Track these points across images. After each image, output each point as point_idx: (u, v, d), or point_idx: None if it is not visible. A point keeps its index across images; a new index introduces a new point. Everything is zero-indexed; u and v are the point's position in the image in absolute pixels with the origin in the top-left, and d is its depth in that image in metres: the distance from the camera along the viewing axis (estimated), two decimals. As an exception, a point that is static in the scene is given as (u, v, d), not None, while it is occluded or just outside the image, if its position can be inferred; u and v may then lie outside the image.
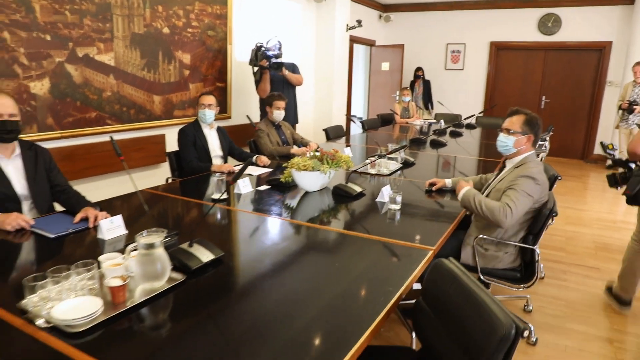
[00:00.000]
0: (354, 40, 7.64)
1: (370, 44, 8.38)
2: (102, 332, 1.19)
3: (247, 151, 3.67)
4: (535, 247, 2.25)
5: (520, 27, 7.99)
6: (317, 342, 1.21)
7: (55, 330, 1.18)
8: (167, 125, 4.31)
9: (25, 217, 1.96)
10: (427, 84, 8.25)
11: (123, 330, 1.21)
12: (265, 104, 3.90)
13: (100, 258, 1.48)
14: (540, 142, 2.59)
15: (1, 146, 2.08)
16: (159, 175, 4.22)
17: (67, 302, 1.25)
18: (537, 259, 2.28)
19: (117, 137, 3.86)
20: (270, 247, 1.85)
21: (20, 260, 1.72)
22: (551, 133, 5.81)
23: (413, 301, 1.57)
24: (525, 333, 1.11)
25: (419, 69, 8.18)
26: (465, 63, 8.48)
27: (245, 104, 5.23)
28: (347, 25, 6.61)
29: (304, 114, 5.91)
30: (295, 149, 3.73)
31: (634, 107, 5.95)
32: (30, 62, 3.20)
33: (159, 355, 1.13)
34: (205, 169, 3.12)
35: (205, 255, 1.58)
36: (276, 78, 4.71)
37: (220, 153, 3.39)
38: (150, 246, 1.37)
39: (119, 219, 1.90)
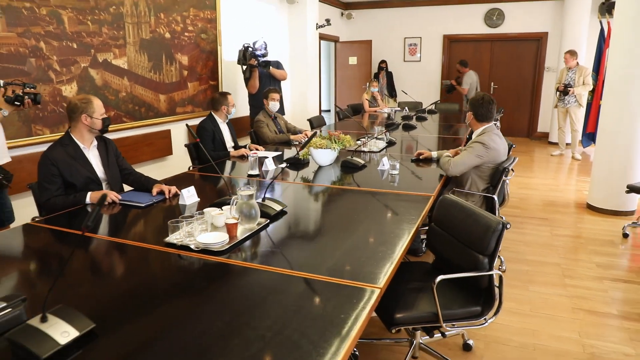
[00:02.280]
0: (320, 37, 8.24)
1: (334, 40, 9.03)
2: (233, 250, 1.78)
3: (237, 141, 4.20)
4: (494, 196, 2.95)
5: (469, 21, 8.89)
6: (348, 268, 1.85)
7: (202, 251, 1.75)
8: (172, 122, 4.78)
9: (114, 193, 2.47)
10: (389, 75, 9.00)
11: (242, 249, 1.80)
12: (262, 97, 4.47)
13: (205, 210, 2.04)
14: (495, 124, 3.24)
15: (86, 138, 2.57)
16: (170, 167, 4.70)
17: (205, 235, 1.82)
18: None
19: (130, 133, 4.32)
20: (322, 203, 2.48)
21: (136, 221, 2.25)
22: (501, 114, 6.67)
23: (426, 228, 2.24)
24: (508, 226, 1.79)
25: (382, 61, 8.91)
26: (422, 55, 9.31)
27: (235, 100, 5.74)
28: (317, 24, 7.22)
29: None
30: (293, 136, 4.32)
31: (569, 89, 6.91)
32: (62, 68, 3.61)
33: (261, 258, 1.73)
34: (224, 156, 3.67)
35: (275, 206, 2.17)
36: (262, 75, 5.27)
37: (232, 143, 3.94)
38: (250, 197, 1.96)
39: (193, 189, 2.45)
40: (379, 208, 2.37)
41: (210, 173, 3.19)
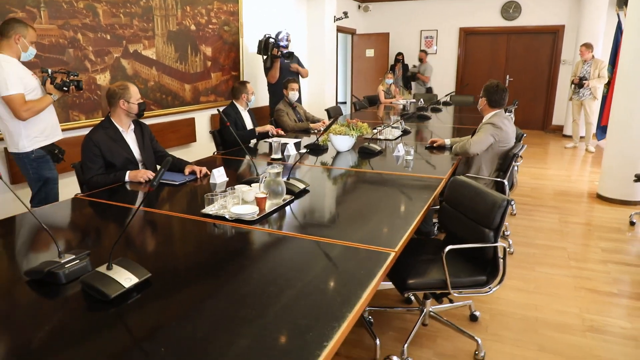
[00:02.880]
0: (337, 30, 8.40)
1: (351, 32, 9.18)
2: (262, 220, 1.99)
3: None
4: (504, 180, 3.12)
5: (486, 13, 8.96)
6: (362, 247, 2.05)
7: (236, 220, 1.97)
8: (196, 110, 5.02)
9: (150, 171, 2.70)
10: (406, 67, 9.13)
11: (270, 220, 2.01)
12: (282, 87, 4.67)
13: (236, 187, 2.26)
14: (507, 113, 3.34)
15: (124, 122, 2.80)
16: (193, 153, 4.94)
17: (238, 207, 2.04)
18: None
19: (158, 120, 4.56)
20: (342, 183, 2.68)
21: (173, 196, 2.48)
22: (515, 107, 6.76)
23: (438, 207, 2.43)
24: (513, 202, 1.97)
25: (399, 53, 9.04)
26: (438, 47, 9.41)
27: (255, 90, 5.96)
28: (335, 16, 7.38)
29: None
30: (312, 125, 4.52)
31: (584, 82, 6.98)
32: (96, 58, 3.86)
33: (287, 227, 1.94)
34: (249, 134, 3.95)
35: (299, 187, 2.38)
36: (284, 69, 5.47)
37: (250, 126, 4.17)
38: (277, 174, 2.17)
39: (222, 170, 2.68)
40: (394, 189, 2.56)
41: (234, 157, 3.41)
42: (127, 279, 1.42)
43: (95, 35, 3.82)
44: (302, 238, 1.83)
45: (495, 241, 2.02)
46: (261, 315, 1.29)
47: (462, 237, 2.16)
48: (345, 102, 10.39)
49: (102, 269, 1.44)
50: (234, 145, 3.77)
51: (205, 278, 1.55)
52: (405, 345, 2.22)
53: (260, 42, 5.41)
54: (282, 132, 4.12)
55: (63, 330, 1.27)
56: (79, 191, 2.69)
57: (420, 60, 8.93)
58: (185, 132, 4.92)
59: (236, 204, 2.10)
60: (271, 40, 5.34)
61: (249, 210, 2.01)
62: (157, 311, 1.35)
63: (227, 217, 1.99)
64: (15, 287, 1.52)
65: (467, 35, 9.25)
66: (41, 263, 1.52)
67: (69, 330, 1.27)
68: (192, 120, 4.98)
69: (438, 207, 2.46)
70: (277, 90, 5.34)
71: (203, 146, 5.09)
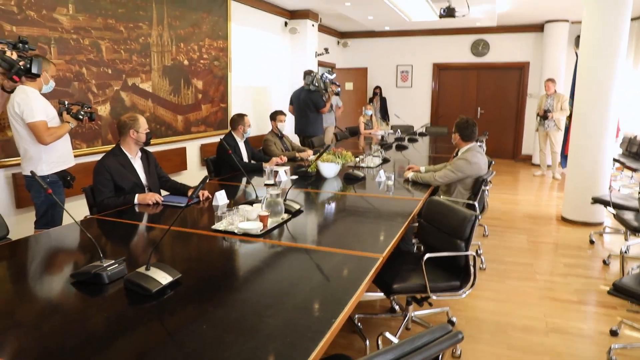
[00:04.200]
0: (319, 64, 8.93)
1: (331, 66, 9.73)
2: (265, 234, 2.32)
3: (263, 155, 4.79)
4: (475, 202, 3.53)
5: (457, 50, 9.67)
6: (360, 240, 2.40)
7: (243, 234, 2.29)
8: (187, 140, 5.35)
9: (158, 195, 3.01)
10: (383, 101, 9.69)
11: (272, 234, 2.35)
12: (270, 119, 5.06)
13: (240, 207, 2.59)
14: (479, 144, 3.74)
15: (133, 150, 3.11)
16: (184, 181, 5.21)
17: (244, 223, 2.37)
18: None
19: (152, 149, 4.86)
20: (331, 205, 3.04)
21: (182, 216, 2.79)
22: (486, 137, 7.32)
23: (417, 224, 2.80)
24: (479, 217, 2.36)
25: (377, 87, 9.61)
26: (413, 81, 10.04)
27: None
28: (316, 52, 7.90)
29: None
30: (299, 154, 4.89)
31: (548, 114, 7.61)
32: (98, 90, 4.18)
33: (289, 239, 2.28)
34: (252, 166, 4.29)
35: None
36: (302, 101, 6.52)
37: (247, 160, 4.50)
38: (278, 195, 2.52)
39: (224, 193, 3.01)
40: (378, 208, 2.93)
41: (229, 182, 3.74)
42: (163, 277, 1.72)
43: (98, 70, 4.16)
44: (300, 247, 2.16)
45: (467, 250, 2.39)
46: (282, 301, 1.62)
47: (439, 248, 2.52)
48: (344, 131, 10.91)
49: (142, 270, 1.75)
50: (227, 173, 4.10)
51: (225, 279, 1.87)
52: (391, 346, 2.54)
53: (309, 75, 6.36)
54: (285, 160, 4.49)
55: (112, 321, 1.56)
56: (87, 213, 2.96)
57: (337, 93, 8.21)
58: (177, 161, 5.22)
59: (241, 221, 2.43)
60: (328, 78, 6.41)
61: (255, 226, 2.34)
62: (188, 304, 1.66)
63: (236, 231, 2.31)
64: (64, 289, 1.80)
65: (441, 70, 9.92)
66: (86, 266, 1.82)
67: (117, 320, 1.56)
68: (184, 149, 5.30)
69: (417, 224, 2.83)
70: (317, 121, 6.56)
71: (193, 174, 5.39)
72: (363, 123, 7.98)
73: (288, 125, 5.99)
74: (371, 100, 9.64)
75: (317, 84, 6.36)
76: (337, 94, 6.71)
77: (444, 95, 9.99)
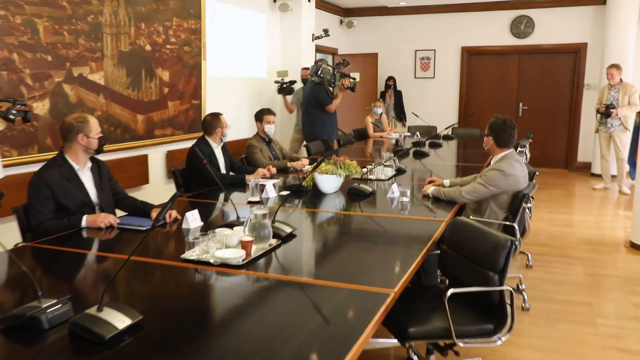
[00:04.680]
0: (317, 50, 9.07)
1: (332, 52, 9.89)
2: (249, 265, 2.39)
3: (245, 165, 4.87)
4: (514, 224, 3.59)
5: (493, 30, 9.84)
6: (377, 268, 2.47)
7: (221, 265, 2.36)
8: (149, 145, 5.44)
9: (113, 216, 3.07)
10: (398, 95, 9.84)
11: (257, 265, 2.41)
12: (256, 119, 5.15)
13: (217, 230, 2.65)
14: (519, 150, 3.79)
15: (81, 159, 3.19)
16: (146, 197, 5.27)
17: (222, 251, 2.43)
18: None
19: (105, 157, 4.92)
20: (330, 227, 3.11)
21: (144, 243, 2.85)
22: (530, 141, 7.39)
23: (438, 252, 2.87)
24: (517, 243, 2.42)
25: (390, 78, 9.77)
26: (436, 71, 10.20)
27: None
28: (313, 35, 8.05)
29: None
30: (291, 163, 4.98)
31: (611, 110, 7.63)
32: (34, 82, 4.28)
33: (277, 271, 2.34)
34: (239, 178, 4.39)
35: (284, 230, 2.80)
36: (305, 96, 6.85)
37: (224, 170, 4.59)
38: (264, 216, 2.59)
39: (196, 213, 3.07)
40: (389, 231, 3.01)
41: (202, 199, 3.81)
42: (120, 320, 1.78)
43: (34, 56, 4.26)
44: (292, 281, 2.23)
45: (501, 284, 2.45)
46: (269, 348, 1.68)
47: (465, 281, 2.58)
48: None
49: (92, 310, 1.80)
50: (201, 187, 4.17)
51: (197, 321, 1.93)
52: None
53: (317, 67, 6.51)
54: (274, 171, 4.59)
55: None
56: (20, 240, 2.98)
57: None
58: (136, 172, 5.30)
59: (219, 248, 2.50)
60: (338, 70, 6.60)
61: (235, 254, 2.40)
62: (152, 353, 1.71)
63: (211, 261, 2.37)
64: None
65: (471, 56, 10.07)
66: (20, 308, 1.87)
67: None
68: (145, 157, 5.39)
69: (438, 252, 2.90)
70: (325, 121, 6.77)
71: (157, 188, 5.47)
72: (371, 124, 8.10)
73: (281, 126, 6.12)
74: (382, 95, 9.78)
75: (322, 75, 6.54)
76: (351, 89, 6.83)
77: (476, 88, 10.15)
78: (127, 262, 2.01)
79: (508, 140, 3.72)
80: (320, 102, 6.63)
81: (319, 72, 6.52)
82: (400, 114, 9.83)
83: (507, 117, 3.80)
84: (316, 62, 6.68)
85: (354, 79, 6.88)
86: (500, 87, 10.10)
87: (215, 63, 6.39)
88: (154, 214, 3.18)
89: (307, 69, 7.01)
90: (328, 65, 6.63)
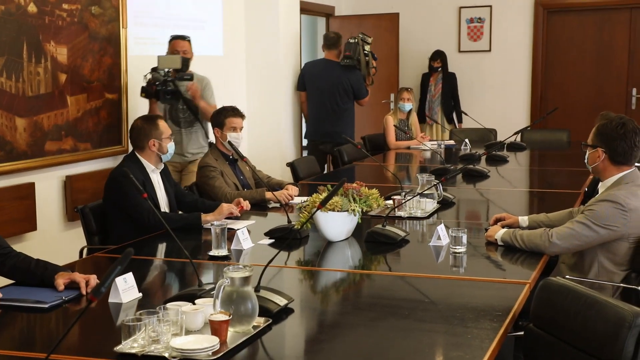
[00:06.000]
0: (302, 9, 9.11)
1: (327, 13, 10.03)
2: (226, 358, 2.47)
3: (198, 197, 4.94)
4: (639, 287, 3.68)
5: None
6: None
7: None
8: (37, 168, 5.47)
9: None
10: (450, 80, 9.99)
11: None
12: (213, 124, 5.24)
13: (168, 306, 2.73)
14: (636, 164, 3.80)
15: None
16: (31, 251, 5.32)
17: (180, 339, 2.51)
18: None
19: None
20: (341, 297, 3.21)
21: (44, 324, 2.91)
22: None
23: (519, 334, 2.96)
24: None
25: (437, 54, 9.86)
26: (493, 40, 10.34)
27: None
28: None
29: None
30: (270, 194, 5.05)
31: None
32: None
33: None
34: (192, 219, 4.46)
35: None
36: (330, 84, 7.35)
37: (167, 208, 4.65)
38: (245, 281, 2.67)
39: (131, 278, 3.15)
40: (436, 302, 3.10)
41: (138, 256, 3.87)
42: None
43: None
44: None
45: (627, 385, 2.53)
46: None
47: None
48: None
49: None
50: (128, 236, 4.23)
51: None
52: None
53: (355, 46, 7.26)
54: (247, 207, 4.67)
55: None
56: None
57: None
58: (16, 212, 5.29)
59: (175, 334, 2.56)
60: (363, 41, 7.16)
61: (203, 344, 2.46)
62: None
63: (166, 356, 2.44)
64: None
65: (551, 14, 10.25)
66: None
67: None
68: (30, 188, 5.40)
69: (521, 333, 2.99)
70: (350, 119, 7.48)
71: (52, 239, 5.50)
72: (394, 127, 8.15)
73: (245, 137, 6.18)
74: (426, 79, 9.88)
75: (358, 57, 7.14)
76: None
77: (559, 66, 10.27)
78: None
79: (630, 153, 3.72)
80: (357, 94, 7.37)
81: (357, 54, 7.19)
82: (451, 112, 9.91)
83: (626, 117, 3.85)
84: (350, 41, 7.33)
85: (376, 59, 7.52)
86: (600, 63, 10.17)
87: (143, 33, 6.48)
88: (61, 280, 3.23)
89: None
90: (365, 42, 7.22)
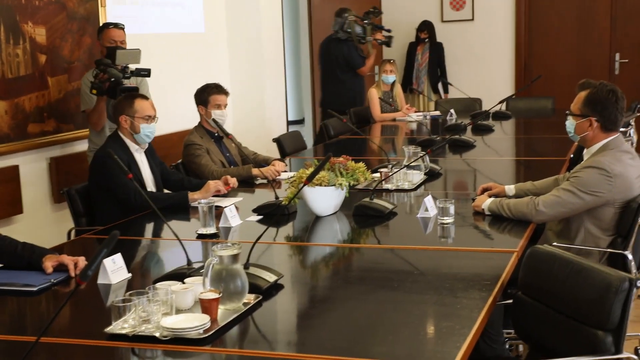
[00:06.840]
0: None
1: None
2: (216, 338, 2.48)
3: (185, 176, 4.94)
4: (626, 252, 3.71)
5: None
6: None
7: (171, 341, 2.45)
8: (20, 150, 5.46)
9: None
10: (437, 50, 10.03)
11: (228, 337, 2.50)
12: (197, 102, 5.23)
13: (157, 285, 2.74)
14: (627, 138, 3.82)
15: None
16: (18, 234, 5.33)
17: (170, 318, 2.52)
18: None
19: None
20: (332, 271, 3.23)
21: (35, 308, 2.92)
22: (638, 114, 7.47)
23: (507, 302, 2.99)
24: (639, 283, 2.54)
25: (424, 25, 9.88)
26: (475, 8, 10.34)
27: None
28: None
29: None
30: (256, 170, 5.06)
31: None
32: None
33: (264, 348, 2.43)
34: (179, 198, 4.46)
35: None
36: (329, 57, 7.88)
37: (153, 187, 4.65)
38: (234, 258, 2.68)
39: (119, 259, 3.15)
40: (425, 272, 3.14)
41: (125, 237, 3.87)
42: None
43: None
44: (285, 359, 2.32)
45: (617, 351, 2.55)
46: None
47: (555, 347, 2.69)
48: (302, 121, 11.08)
49: None
50: (115, 217, 4.24)
51: None
52: None
53: (343, 20, 7.45)
54: (235, 185, 4.72)
55: None
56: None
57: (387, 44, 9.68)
58: (1, 195, 5.28)
59: (166, 314, 2.58)
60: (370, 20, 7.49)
61: (193, 322, 2.48)
62: None
63: (157, 336, 2.46)
64: None
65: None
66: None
67: None
68: (14, 170, 5.40)
69: (510, 302, 3.02)
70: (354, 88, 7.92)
71: (39, 221, 5.50)
72: (378, 100, 8.16)
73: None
74: (412, 50, 9.90)
75: (349, 30, 7.47)
76: (386, 44, 8.16)
77: (542, 34, 10.31)
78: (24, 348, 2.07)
79: (620, 120, 3.79)
80: (350, 64, 7.70)
81: (345, 27, 7.45)
82: (436, 82, 9.92)
83: (612, 84, 3.85)
84: (339, 14, 7.61)
85: (389, 30, 7.93)
86: (583, 29, 10.20)
87: (122, 12, 6.45)
88: (49, 263, 3.24)
89: None
90: (356, 16, 7.45)
